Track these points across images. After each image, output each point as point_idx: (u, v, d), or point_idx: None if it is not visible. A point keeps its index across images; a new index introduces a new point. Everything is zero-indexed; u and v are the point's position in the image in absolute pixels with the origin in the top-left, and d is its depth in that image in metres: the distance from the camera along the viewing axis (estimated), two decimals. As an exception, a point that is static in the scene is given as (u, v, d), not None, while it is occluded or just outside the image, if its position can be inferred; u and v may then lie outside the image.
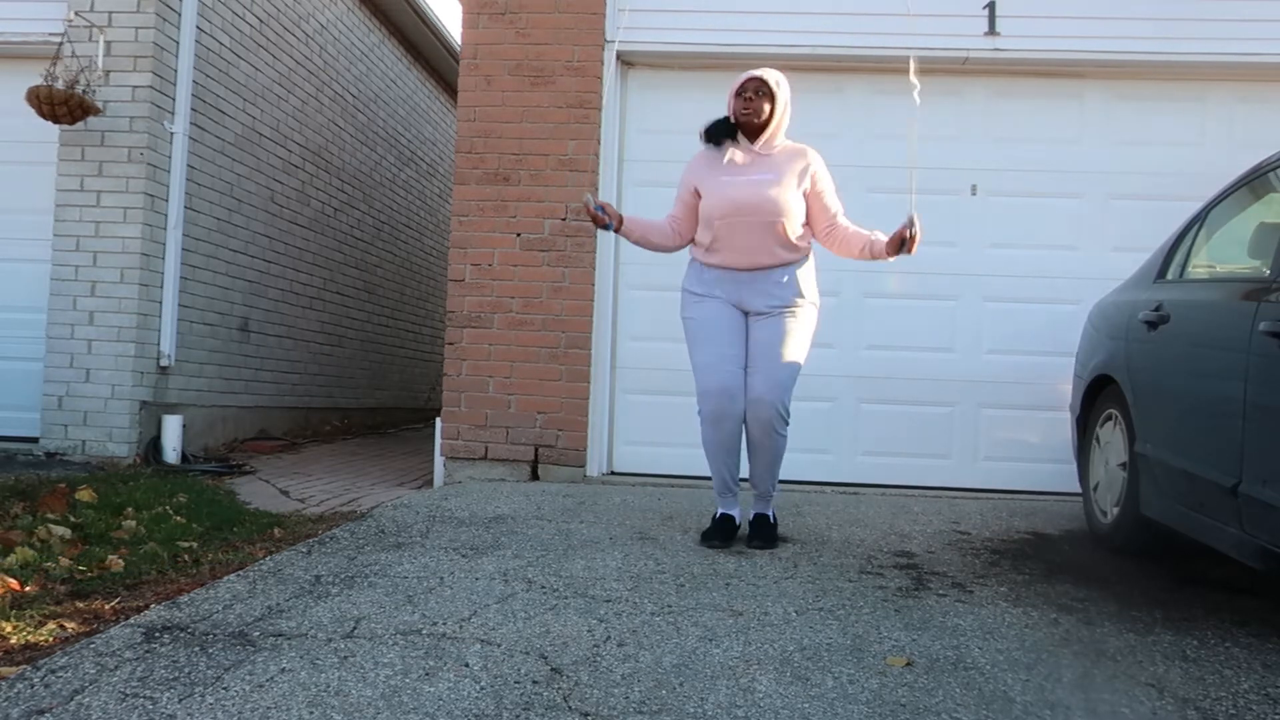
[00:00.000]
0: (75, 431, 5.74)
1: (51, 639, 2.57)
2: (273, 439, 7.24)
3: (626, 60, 5.52)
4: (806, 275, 3.60)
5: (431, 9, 9.95)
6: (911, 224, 3.37)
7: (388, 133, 9.84)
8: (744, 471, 3.65)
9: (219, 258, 6.72)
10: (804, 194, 3.54)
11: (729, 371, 3.47)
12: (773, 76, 3.54)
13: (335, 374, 8.78)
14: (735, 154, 3.58)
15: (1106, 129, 5.39)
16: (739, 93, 3.54)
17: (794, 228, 3.51)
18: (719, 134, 3.60)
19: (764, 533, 3.62)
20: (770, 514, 3.69)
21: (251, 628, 2.50)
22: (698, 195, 3.59)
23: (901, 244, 3.41)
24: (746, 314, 3.56)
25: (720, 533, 3.61)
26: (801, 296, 3.55)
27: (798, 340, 3.52)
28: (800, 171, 3.55)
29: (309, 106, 8.04)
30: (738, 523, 3.67)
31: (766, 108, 3.53)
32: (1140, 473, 3.38)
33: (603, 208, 3.50)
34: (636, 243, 3.73)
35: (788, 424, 3.52)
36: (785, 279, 3.54)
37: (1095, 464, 3.91)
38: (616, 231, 3.58)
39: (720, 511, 3.68)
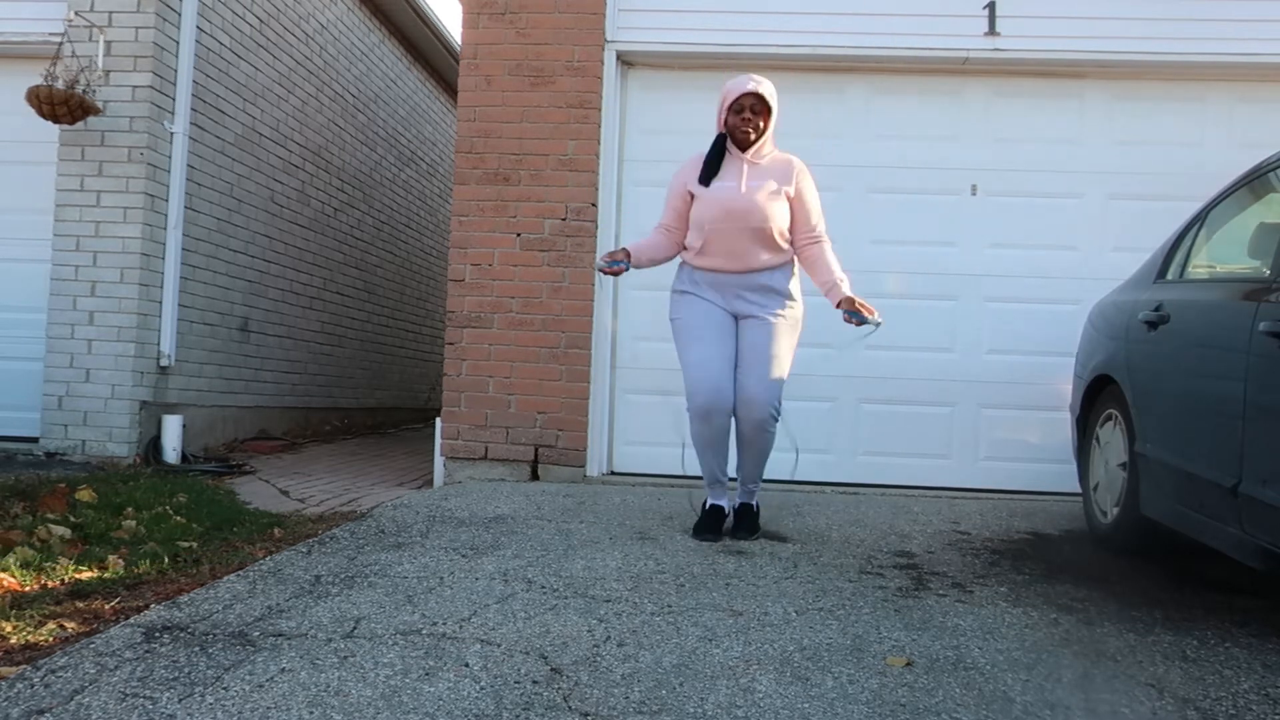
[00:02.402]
0: (75, 431, 5.74)
1: (51, 639, 2.57)
2: (273, 439, 7.24)
3: (626, 60, 5.52)
4: (792, 277, 3.72)
5: (431, 9, 9.96)
6: (868, 316, 3.53)
7: (388, 133, 9.84)
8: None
9: (219, 258, 6.72)
10: (787, 199, 3.64)
11: (718, 370, 3.58)
12: (767, 90, 3.61)
13: (335, 374, 8.78)
14: (728, 164, 3.67)
15: (1106, 129, 5.39)
16: (735, 109, 3.60)
17: (779, 231, 3.63)
18: (714, 162, 3.67)
19: (748, 522, 3.78)
20: (754, 504, 3.85)
21: (251, 628, 2.50)
22: (689, 199, 3.68)
23: (852, 314, 3.55)
24: (735, 317, 3.67)
25: (711, 525, 3.73)
26: (790, 298, 3.69)
27: (787, 341, 3.66)
28: (787, 178, 3.65)
29: (309, 106, 8.04)
30: (727, 512, 3.81)
31: (762, 123, 3.62)
32: (1140, 473, 3.38)
33: (614, 260, 3.66)
34: (648, 265, 3.84)
35: (777, 421, 3.64)
36: (773, 282, 3.66)
37: (1095, 464, 3.91)
38: (631, 266, 3.70)
39: (710, 502, 3.80)
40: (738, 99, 3.59)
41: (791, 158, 3.73)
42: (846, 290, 3.60)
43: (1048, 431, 5.21)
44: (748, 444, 3.68)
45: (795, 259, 3.74)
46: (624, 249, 3.77)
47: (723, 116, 3.66)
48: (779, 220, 3.62)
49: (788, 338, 3.66)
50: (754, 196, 3.60)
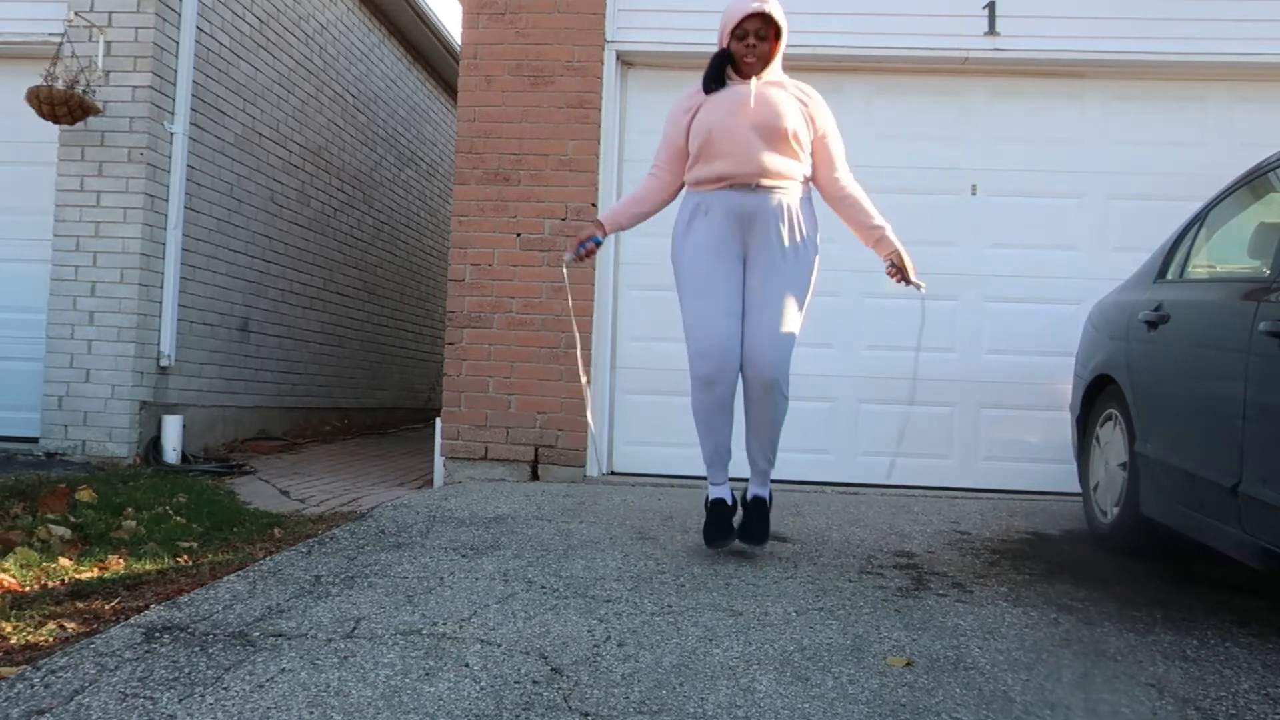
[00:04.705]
0: (75, 431, 5.75)
1: (51, 639, 2.57)
2: (273, 439, 7.24)
3: (626, 60, 5.53)
4: (810, 212, 3.34)
5: (431, 9, 9.96)
6: (913, 280, 3.32)
7: (388, 133, 9.84)
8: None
9: (219, 258, 6.72)
10: (807, 122, 3.27)
11: (726, 328, 3.20)
12: (774, 7, 3.22)
13: (335, 374, 8.78)
14: (733, 84, 3.29)
15: (1106, 129, 5.40)
16: (737, 35, 3.23)
17: (794, 134, 3.22)
18: (716, 75, 3.31)
19: (758, 525, 3.36)
20: (767, 496, 3.42)
21: (251, 628, 2.50)
22: (688, 128, 3.30)
23: (898, 273, 3.32)
24: (745, 259, 3.27)
25: (720, 527, 3.35)
26: (805, 237, 3.27)
27: (800, 290, 3.26)
28: (803, 101, 3.29)
29: (309, 106, 8.04)
30: (731, 504, 3.41)
31: (769, 49, 3.25)
32: (1140, 473, 3.38)
33: (582, 243, 3.34)
34: (630, 223, 3.51)
35: (789, 382, 3.26)
36: (790, 203, 3.25)
37: (1095, 464, 3.91)
38: (607, 234, 3.41)
39: (712, 496, 3.39)
40: (740, 24, 3.20)
41: (807, 87, 3.34)
42: (895, 241, 3.28)
43: (1048, 431, 5.21)
44: (757, 411, 3.26)
45: (811, 194, 3.37)
46: (595, 221, 3.43)
47: (724, 42, 3.28)
48: (794, 122, 3.21)
49: (802, 285, 3.26)
50: (765, 98, 3.22)
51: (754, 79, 3.28)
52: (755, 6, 3.19)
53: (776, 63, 3.32)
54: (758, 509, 3.41)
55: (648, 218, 3.52)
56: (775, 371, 3.21)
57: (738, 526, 3.40)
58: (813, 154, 3.34)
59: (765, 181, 3.23)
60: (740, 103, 3.24)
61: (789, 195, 3.27)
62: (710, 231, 3.27)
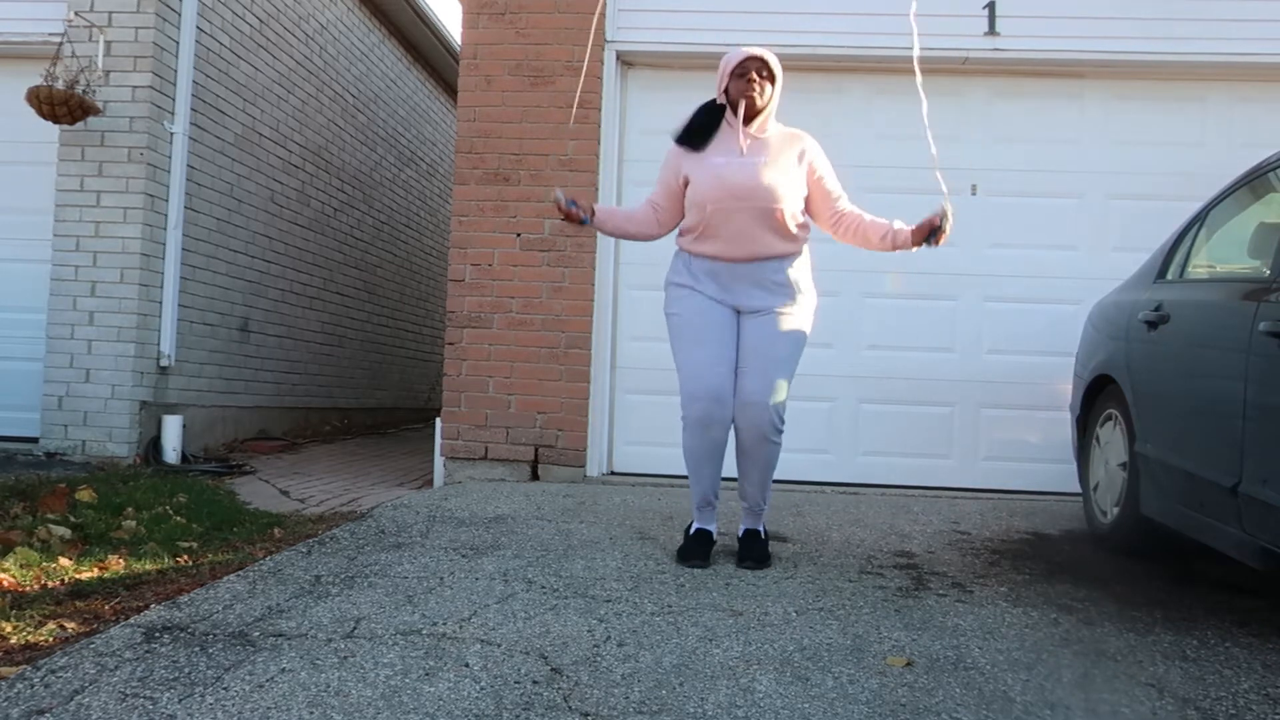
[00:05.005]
0: (75, 432, 5.74)
1: (51, 639, 2.57)
2: (273, 439, 7.24)
3: (626, 60, 5.53)
4: (803, 269, 3.35)
5: (431, 9, 9.96)
6: (944, 215, 3.20)
7: (388, 133, 9.84)
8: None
9: (219, 258, 6.72)
10: (803, 180, 3.31)
11: (719, 374, 3.22)
12: (771, 56, 3.29)
13: (335, 374, 8.78)
14: (726, 137, 3.31)
15: (1106, 129, 5.40)
16: (739, 74, 3.25)
17: (792, 215, 3.27)
18: (702, 130, 3.33)
19: (756, 551, 3.34)
20: (761, 529, 3.44)
21: (251, 628, 2.50)
22: (685, 182, 3.32)
23: (930, 233, 3.21)
24: (738, 312, 3.31)
25: (699, 551, 3.33)
26: (800, 292, 3.31)
27: (794, 339, 3.29)
28: (798, 155, 3.32)
29: (309, 107, 8.04)
30: (714, 538, 3.42)
31: (769, 90, 3.29)
32: (1140, 473, 3.38)
33: (574, 201, 3.27)
34: (612, 233, 3.56)
35: (782, 431, 3.26)
36: (780, 274, 3.28)
37: (1095, 464, 3.91)
38: (591, 219, 3.33)
39: (696, 526, 3.40)
40: (741, 63, 3.24)
41: (799, 132, 3.37)
42: (905, 225, 3.26)
43: (1048, 431, 5.21)
44: (749, 455, 3.28)
45: (807, 247, 3.39)
46: (593, 206, 3.37)
47: (723, 85, 3.29)
48: (790, 202, 3.25)
49: (796, 336, 3.29)
50: (760, 172, 3.24)
51: (747, 136, 3.28)
52: (756, 51, 3.25)
53: (772, 109, 3.33)
54: (751, 540, 3.41)
55: (629, 239, 3.60)
56: (765, 421, 3.21)
57: (737, 554, 3.39)
58: (810, 197, 3.36)
59: (761, 257, 3.27)
60: (737, 180, 3.24)
61: (784, 261, 3.30)
62: (704, 284, 3.31)
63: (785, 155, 3.31)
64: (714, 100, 3.35)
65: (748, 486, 3.36)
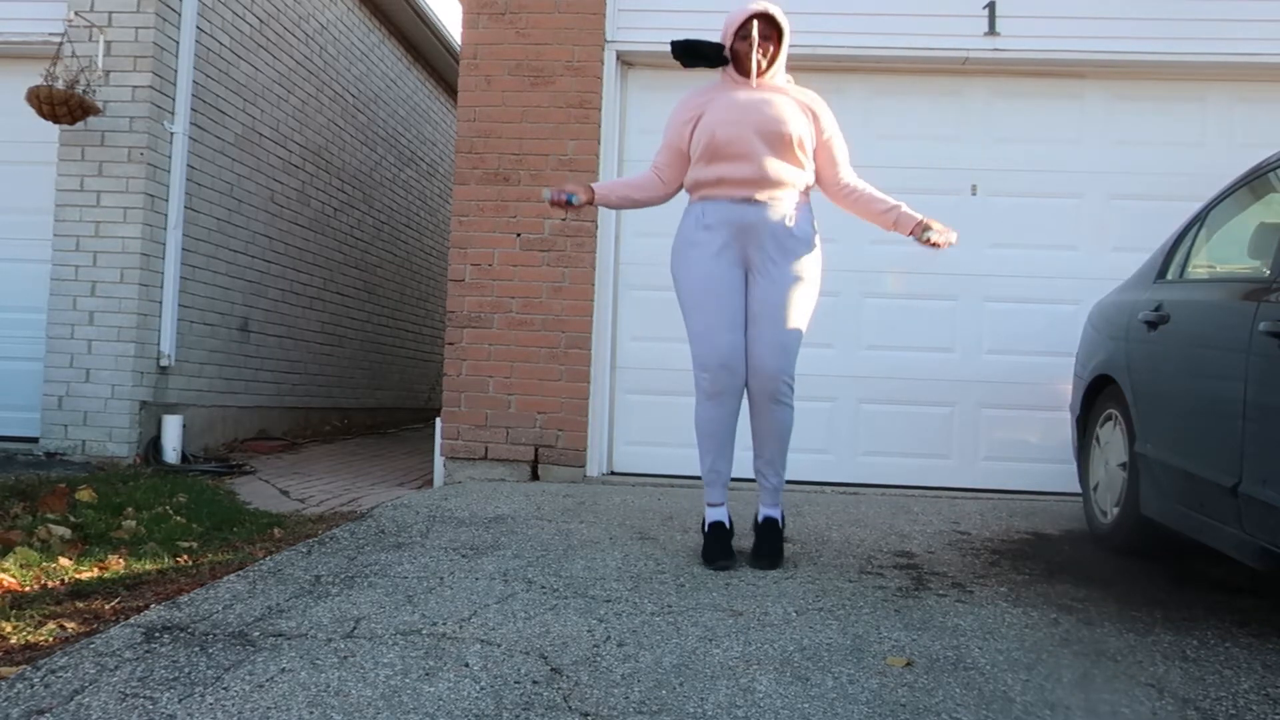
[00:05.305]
0: (75, 431, 5.75)
1: (51, 639, 2.57)
2: (273, 439, 7.24)
3: (626, 60, 5.53)
4: (809, 217, 3.31)
5: (431, 9, 9.96)
6: (928, 229, 3.22)
7: (388, 133, 9.84)
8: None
9: (219, 258, 6.72)
10: (811, 133, 3.27)
11: (731, 340, 3.20)
12: (776, 9, 3.22)
13: (335, 374, 8.78)
14: (732, 85, 3.29)
15: (1106, 129, 5.40)
16: (741, 35, 3.23)
17: (799, 142, 3.20)
18: (706, 55, 3.29)
19: (771, 547, 3.29)
20: (780, 516, 3.39)
21: (251, 628, 2.50)
22: (696, 121, 3.26)
23: (924, 232, 3.23)
24: (747, 268, 3.25)
25: (722, 550, 3.27)
26: (809, 246, 3.26)
27: (805, 299, 3.24)
28: (808, 110, 3.28)
29: (309, 106, 8.04)
30: (729, 527, 3.36)
31: (773, 48, 3.25)
32: (1140, 473, 3.38)
33: (564, 190, 3.26)
34: (617, 205, 3.54)
35: (793, 392, 3.25)
36: (791, 220, 3.22)
37: (1095, 464, 3.91)
38: (590, 204, 3.32)
39: (710, 520, 3.33)
40: (744, 24, 3.20)
41: (811, 93, 3.32)
42: (914, 213, 3.25)
43: (1048, 431, 5.21)
44: (761, 420, 3.25)
45: (810, 200, 3.36)
46: (586, 185, 3.34)
47: (729, 44, 3.27)
48: (799, 129, 3.19)
49: (806, 295, 3.24)
50: (770, 97, 3.20)
51: (757, 80, 3.26)
52: (759, 7, 3.21)
53: (780, 66, 3.32)
54: (769, 531, 3.35)
55: (637, 206, 3.54)
56: (778, 380, 3.20)
57: (750, 550, 3.35)
58: (817, 158, 3.34)
59: (766, 189, 3.22)
60: (745, 106, 3.22)
61: (789, 205, 3.25)
62: (711, 244, 3.24)
63: (796, 104, 3.27)
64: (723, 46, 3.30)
65: (764, 456, 3.32)
